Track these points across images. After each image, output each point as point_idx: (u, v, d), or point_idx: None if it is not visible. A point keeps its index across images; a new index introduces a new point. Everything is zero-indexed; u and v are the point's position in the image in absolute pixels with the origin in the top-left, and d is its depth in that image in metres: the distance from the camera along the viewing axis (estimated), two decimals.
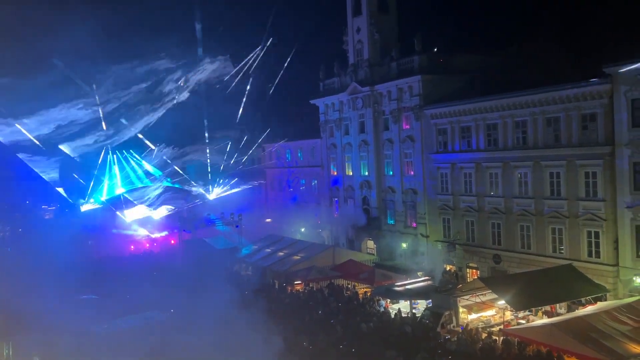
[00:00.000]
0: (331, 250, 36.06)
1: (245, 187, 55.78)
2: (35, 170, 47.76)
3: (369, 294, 29.23)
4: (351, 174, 44.67)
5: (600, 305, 22.08)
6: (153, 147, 51.13)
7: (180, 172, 54.59)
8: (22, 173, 50.03)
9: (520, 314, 23.14)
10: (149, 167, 56.45)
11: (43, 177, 48.80)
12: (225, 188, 55.66)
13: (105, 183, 56.07)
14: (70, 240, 42.43)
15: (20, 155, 46.60)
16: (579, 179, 27.18)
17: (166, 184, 57.26)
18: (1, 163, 50.12)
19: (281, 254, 37.43)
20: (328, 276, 32.04)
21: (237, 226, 44.48)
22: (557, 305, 23.78)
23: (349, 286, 31.65)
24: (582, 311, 21.51)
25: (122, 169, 56.66)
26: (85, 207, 54.73)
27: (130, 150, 56.65)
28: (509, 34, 36.18)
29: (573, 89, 26.84)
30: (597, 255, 26.49)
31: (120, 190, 57.03)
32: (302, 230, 46.78)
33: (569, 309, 23.48)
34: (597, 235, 26.57)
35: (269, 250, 39.16)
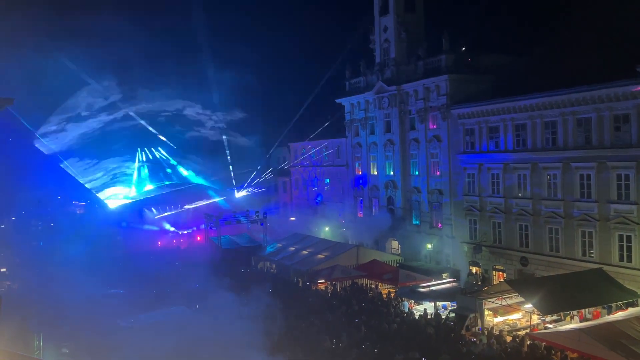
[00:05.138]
0: (355, 250, 35.97)
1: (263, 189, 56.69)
2: (76, 177, 49.62)
3: (392, 295, 29.10)
4: (376, 173, 44.48)
5: (631, 311, 21.52)
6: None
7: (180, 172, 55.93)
8: (58, 175, 51.95)
9: (548, 318, 22.71)
10: (183, 170, 57.63)
11: (80, 181, 50.57)
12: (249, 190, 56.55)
13: (134, 179, 57.31)
14: (99, 236, 43.49)
15: (63, 165, 48.58)
16: (611, 181, 26.50)
17: (199, 181, 58.25)
18: (41, 170, 52.17)
19: (305, 252, 37.50)
20: (352, 276, 31.98)
21: (261, 224, 44.76)
22: (586, 310, 23.25)
23: (373, 286, 31.54)
24: (612, 317, 21.03)
25: (151, 166, 57.89)
26: (114, 203, 56.01)
27: (159, 148, 57.81)
28: (538, 32, 35.49)
29: (605, 89, 26.16)
30: (629, 259, 25.78)
31: (149, 187, 58.21)
32: (326, 229, 46.81)
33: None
34: (629, 239, 25.86)
35: (293, 248, 39.28)
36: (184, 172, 58.98)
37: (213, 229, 45.47)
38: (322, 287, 31.56)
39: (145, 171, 58.09)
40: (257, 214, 44.94)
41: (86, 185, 53.23)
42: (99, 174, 54.78)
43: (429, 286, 27.63)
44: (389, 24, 41.71)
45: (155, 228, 54.29)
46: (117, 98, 48.80)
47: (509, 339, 21.40)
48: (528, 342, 20.10)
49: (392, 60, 41.49)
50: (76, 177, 51.36)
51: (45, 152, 48.14)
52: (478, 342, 20.98)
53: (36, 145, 46.10)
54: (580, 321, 22.40)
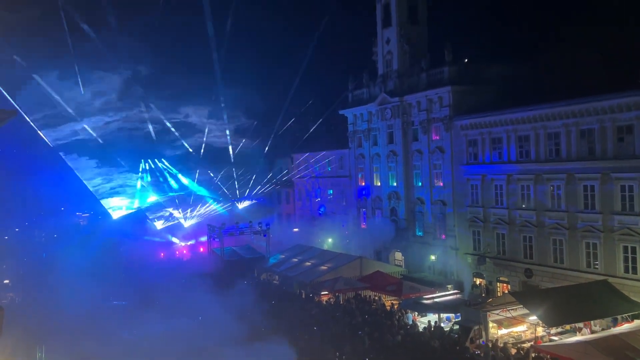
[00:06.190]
0: (358, 261, 35.82)
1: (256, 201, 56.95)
2: (77, 173, 49.61)
3: (396, 306, 28.94)
4: (379, 184, 44.46)
5: (637, 323, 21.37)
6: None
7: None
8: (61, 176, 51.94)
9: (553, 330, 22.53)
10: (182, 178, 57.71)
11: (84, 182, 50.60)
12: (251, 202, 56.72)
13: (137, 190, 57.35)
14: (102, 247, 43.51)
15: (63, 155, 48.64)
16: (615, 193, 26.42)
17: (201, 192, 58.29)
18: (43, 164, 52.11)
19: (308, 264, 37.39)
20: (355, 287, 31.83)
21: (264, 235, 44.71)
22: (592, 322, 23.06)
23: (376, 298, 31.39)
24: (618, 329, 20.86)
25: (154, 177, 57.95)
26: (117, 214, 56.03)
27: (163, 159, 57.95)
28: (541, 43, 35.59)
29: (608, 100, 26.20)
30: (634, 271, 25.66)
31: (152, 198, 58.27)
32: (329, 240, 46.73)
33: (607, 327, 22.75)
34: (633, 250, 25.75)
35: (296, 260, 39.17)
36: (184, 180, 59.06)
37: (216, 240, 45.40)
38: (325, 298, 31.40)
39: (148, 179, 58.21)
40: (259, 225, 44.92)
41: (89, 187, 53.11)
42: (99, 180, 54.70)
43: (433, 298, 27.49)
44: (391, 36, 41.90)
45: (158, 239, 54.24)
46: (119, 103, 49.12)
47: (513, 351, 21.22)
48: (533, 355, 19.92)
49: (394, 72, 41.64)
50: (76, 172, 51.20)
51: (50, 144, 48.13)
52: (482, 354, 20.82)
53: (40, 132, 46.05)
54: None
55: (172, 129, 52.72)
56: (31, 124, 44.00)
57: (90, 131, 48.04)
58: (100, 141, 49.44)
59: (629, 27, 29.11)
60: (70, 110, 45.03)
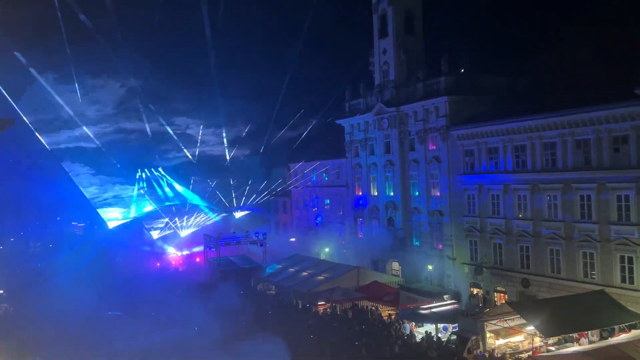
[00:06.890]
0: (355, 271, 35.72)
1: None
2: (74, 180, 49.54)
3: (393, 317, 28.84)
4: (376, 194, 44.47)
5: (634, 333, 21.33)
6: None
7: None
8: (57, 185, 51.80)
9: (550, 341, 22.48)
10: (178, 187, 57.62)
11: (81, 189, 50.51)
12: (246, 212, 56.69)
13: (134, 199, 57.23)
14: (98, 257, 43.29)
15: (59, 162, 48.63)
16: (611, 203, 26.49)
17: (197, 202, 58.19)
18: (39, 172, 52.01)
19: (305, 274, 37.26)
20: (352, 297, 31.73)
21: (261, 245, 44.60)
22: (589, 332, 23.01)
23: (373, 308, 31.28)
24: (615, 339, 20.81)
25: (150, 186, 57.85)
26: (112, 224, 55.85)
27: (159, 169, 57.88)
28: (541, 43, 35.81)
29: (604, 111, 26.33)
30: (631, 281, 25.65)
31: (148, 207, 58.12)
32: (326, 250, 46.61)
33: (601, 337, 22.71)
34: (630, 260, 25.76)
35: (292, 269, 39.04)
36: (178, 188, 59.00)
37: (212, 249, 45.26)
38: (322, 309, 31.27)
39: (144, 185, 58.14)
40: (256, 235, 44.83)
41: (85, 195, 53.00)
42: (95, 189, 54.56)
43: (430, 308, 27.41)
44: (388, 47, 42.11)
45: (151, 249, 54.02)
46: (116, 111, 49.30)
47: None
48: None
49: (391, 82, 41.80)
50: (73, 179, 51.15)
51: (48, 148, 48.23)
52: None
53: (37, 134, 46.16)
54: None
55: (169, 137, 52.85)
56: (29, 126, 44.21)
57: (91, 137, 48.29)
58: (99, 144, 49.61)
59: (629, 27, 29.31)
60: (69, 114, 45.27)
